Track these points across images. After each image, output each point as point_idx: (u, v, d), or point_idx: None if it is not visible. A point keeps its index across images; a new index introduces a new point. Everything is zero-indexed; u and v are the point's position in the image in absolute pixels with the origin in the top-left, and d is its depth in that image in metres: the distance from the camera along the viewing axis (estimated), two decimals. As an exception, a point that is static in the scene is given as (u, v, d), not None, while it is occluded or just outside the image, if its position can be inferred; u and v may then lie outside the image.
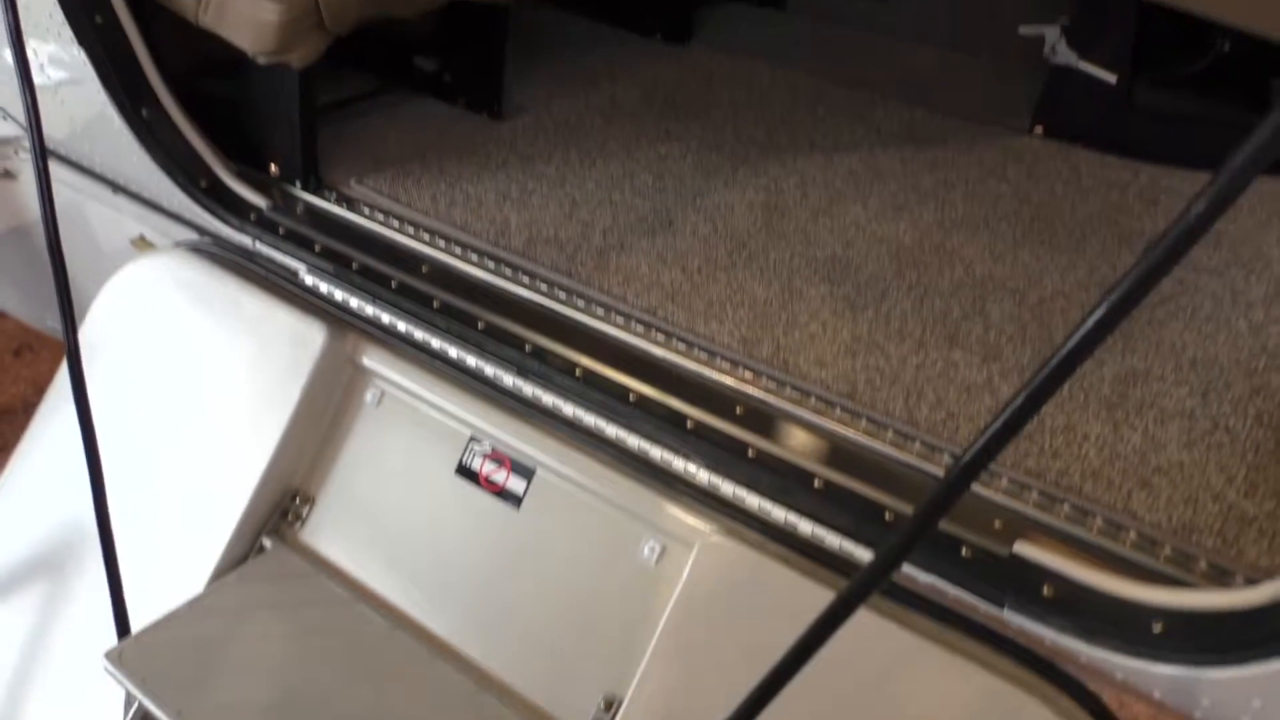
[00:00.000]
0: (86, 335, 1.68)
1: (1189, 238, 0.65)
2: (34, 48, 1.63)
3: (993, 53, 2.46)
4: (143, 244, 1.92)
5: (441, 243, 1.59)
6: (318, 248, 1.60)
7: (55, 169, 1.85)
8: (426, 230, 1.62)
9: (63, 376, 1.75)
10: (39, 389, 3.07)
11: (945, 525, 1.12)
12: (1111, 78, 1.92)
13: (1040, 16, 2.11)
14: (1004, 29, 2.47)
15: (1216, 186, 0.64)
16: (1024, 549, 1.10)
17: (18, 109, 1.89)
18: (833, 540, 1.18)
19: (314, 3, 1.50)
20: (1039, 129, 2.05)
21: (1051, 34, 1.96)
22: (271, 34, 1.50)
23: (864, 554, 1.17)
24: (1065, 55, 1.95)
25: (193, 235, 1.79)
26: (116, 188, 1.85)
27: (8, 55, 1.47)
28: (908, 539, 0.81)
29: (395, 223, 1.64)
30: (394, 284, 1.52)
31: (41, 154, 1.46)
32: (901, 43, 2.58)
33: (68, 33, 1.57)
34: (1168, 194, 1.84)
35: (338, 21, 1.56)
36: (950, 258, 1.62)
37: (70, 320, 1.47)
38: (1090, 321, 0.69)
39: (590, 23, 2.57)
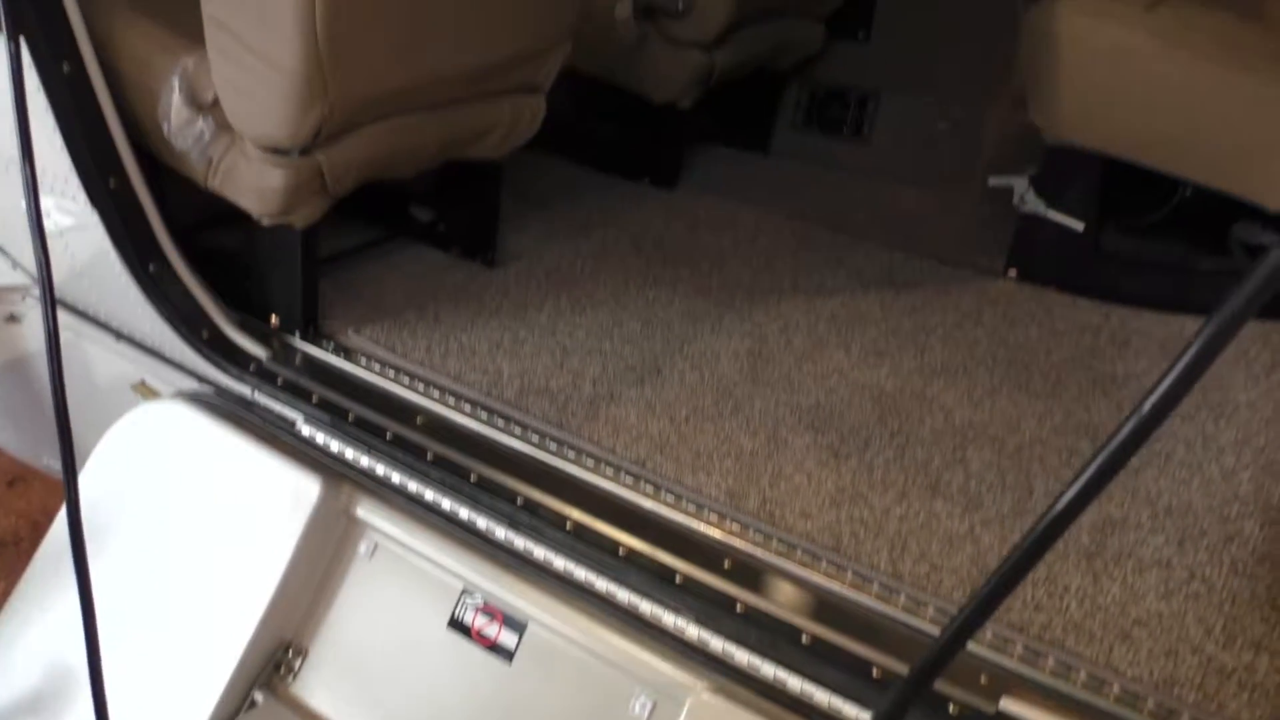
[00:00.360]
0: (85, 482, 1.70)
1: (1183, 385, 0.68)
2: (48, 206, 1.70)
3: (967, 195, 2.56)
4: (144, 389, 1.96)
5: (436, 393, 1.64)
6: (315, 398, 1.64)
7: (59, 314, 1.90)
8: (421, 381, 1.67)
9: (60, 522, 1.76)
10: (31, 522, 3.07)
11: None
12: (1079, 225, 2.01)
13: (1009, 167, 2.22)
14: (978, 173, 2.60)
15: (1209, 332, 0.66)
16: (1010, 705, 1.11)
17: (25, 258, 1.96)
18: (821, 697, 1.19)
19: (318, 169, 1.58)
20: (1013, 272, 2.13)
21: (1020, 185, 2.06)
22: (276, 199, 1.57)
23: (853, 710, 1.18)
24: (1034, 204, 2.04)
25: (193, 383, 1.83)
26: (119, 335, 1.90)
27: (21, 208, 1.54)
28: (901, 699, 0.83)
29: (391, 373, 1.69)
30: (389, 435, 1.56)
31: (52, 308, 1.51)
32: (880, 184, 2.70)
33: (82, 195, 1.64)
34: (1138, 335, 1.91)
35: (340, 185, 1.64)
36: (930, 404, 1.67)
37: (71, 471, 1.50)
38: (1081, 480, 0.71)
39: (580, 168, 2.67)
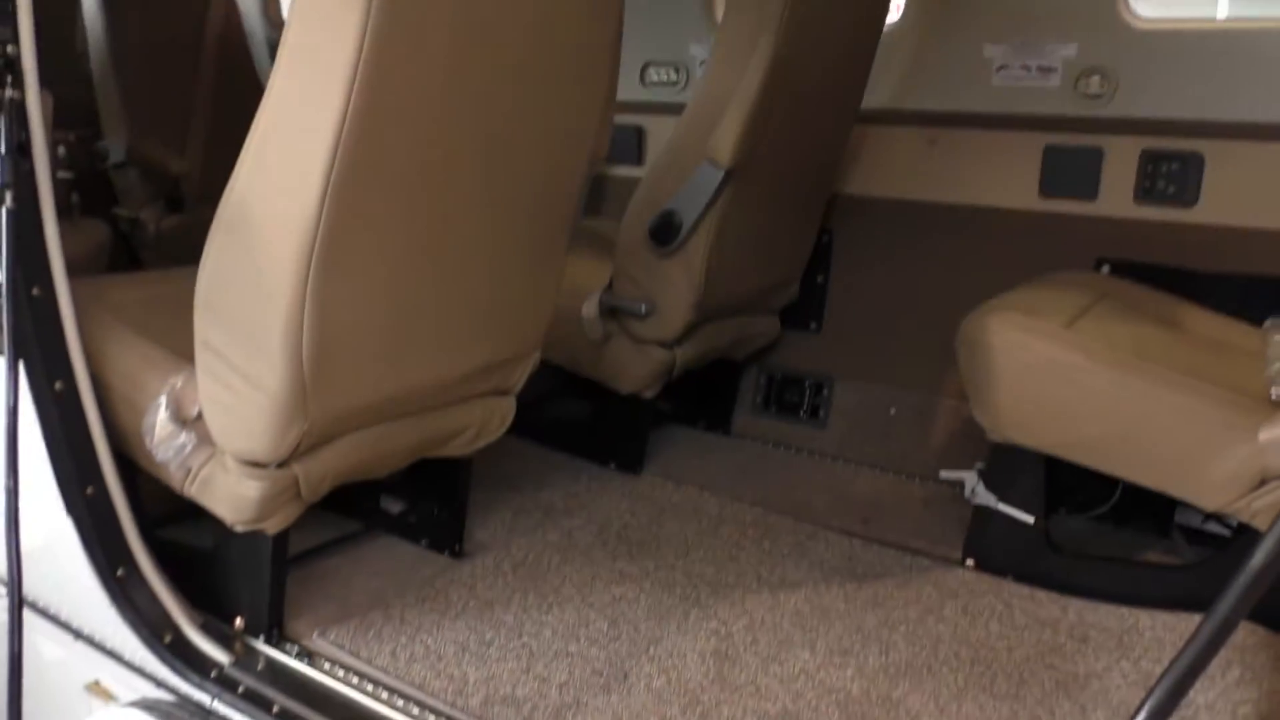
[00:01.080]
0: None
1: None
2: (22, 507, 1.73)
3: (923, 479, 2.67)
4: (98, 689, 1.91)
5: (400, 702, 1.62)
6: (275, 709, 1.62)
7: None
8: (385, 688, 1.65)
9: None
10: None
11: None
12: (1029, 519, 2.08)
13: (959, 456, 2.33)
14: (931, 458, 2.71)
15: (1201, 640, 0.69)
16: None
17: (-10, 553, 1.96)
18: None
19: (294, 479, 1.63)
20: (970, 562, 2.18)
21: (970, 479, 2.15)
22: (251, 508, 1.62)
23: None
24: (984, 497, 2.12)
25: (151, 686, 1.79)
26: (78, 635, 1.88)
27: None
28: None
29: (355, 679, 1.67)
30: (350, 752, 1.53)
31: (18, 620, 1.51)
32: (837, 467, 2.80)
33: (58, 502, 1.67)
34: (1096, 630, 1.94)
35: (315, 493, 1.69)
36: (897, 709, 1.67)
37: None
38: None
39: (548, 450, 2.75)
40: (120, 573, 1.72)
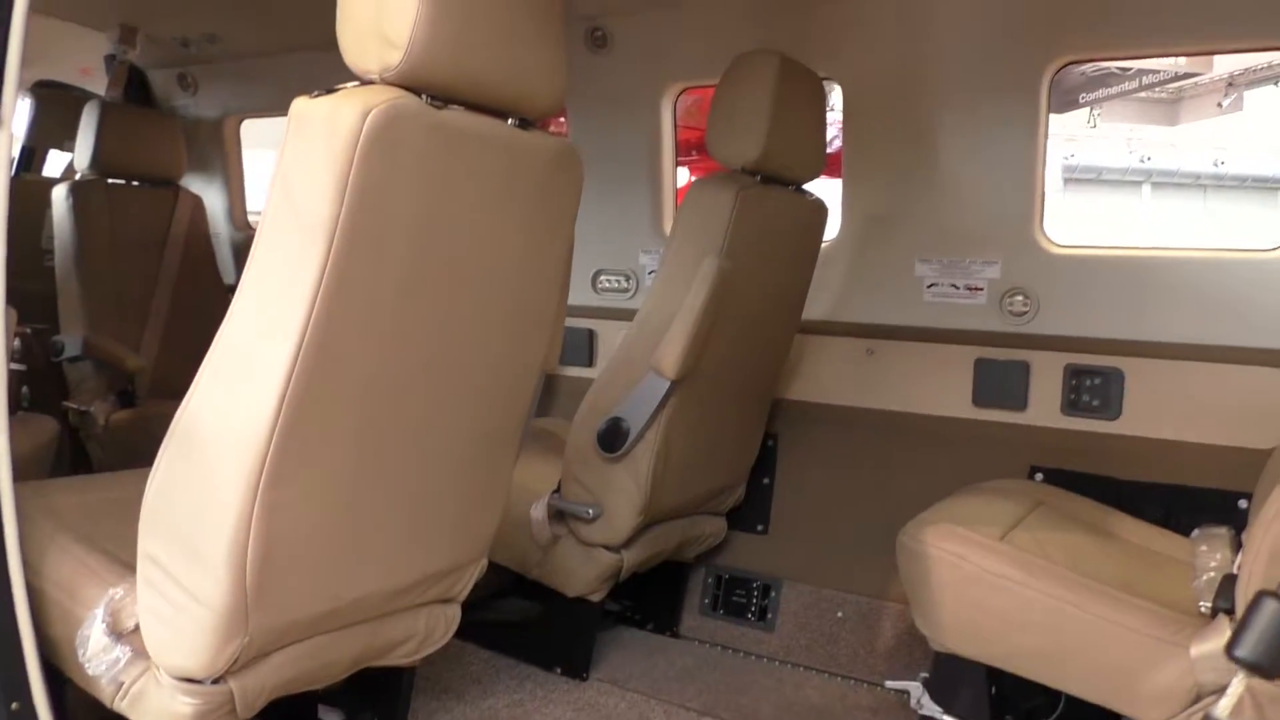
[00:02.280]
0: None
1: None
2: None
3: (870, 685, 2.65)
4: None
5: None
6: None
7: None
8: None
9: None
10: None
11: None
12: (977, 739, 2.08)
13: (904, 662, 2.33)
14: (879, 662, 2.71)
15: None
16: None
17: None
18: None
19: (229, 695, 1.59)
20: (932, 776, 2.15)
21: (915, 689, 2.15)
22: (181, 722, 1.57)
23: None
24: (930, 709, 2.12)
25: None
26: None
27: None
28: None
29: None
30: None
31: None
32: (785, 672, 2.77)
33: (-20, 719, 1.61)
34: None
35: (250, 710, 1.64)
36: None
37: None
38: None
39: (493, 654, 2.70)
40: (40, 799, 1.64)
